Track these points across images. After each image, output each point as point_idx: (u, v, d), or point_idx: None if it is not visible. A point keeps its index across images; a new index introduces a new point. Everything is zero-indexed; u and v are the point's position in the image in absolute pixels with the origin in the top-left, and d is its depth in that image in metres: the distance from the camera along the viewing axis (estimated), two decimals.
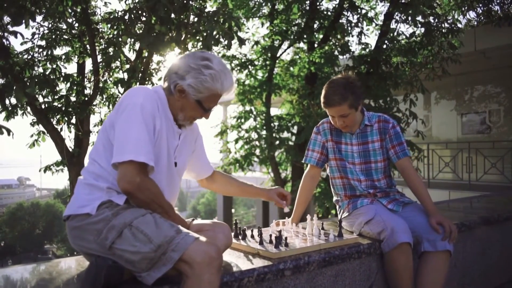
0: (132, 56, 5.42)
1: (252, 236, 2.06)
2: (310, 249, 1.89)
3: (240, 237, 2.04)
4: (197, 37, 4.60)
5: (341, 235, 2.08)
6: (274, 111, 10.50)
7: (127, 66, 5.30)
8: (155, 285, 1.39)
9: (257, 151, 9.17)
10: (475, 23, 10.09)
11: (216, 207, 24.21)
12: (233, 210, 28.30)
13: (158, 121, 1.56)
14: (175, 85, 1.61)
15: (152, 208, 1.50)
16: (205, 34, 4.30)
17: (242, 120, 9.19)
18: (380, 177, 2.33)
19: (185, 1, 4.18)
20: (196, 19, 4.41)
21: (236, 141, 9.20)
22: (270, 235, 2.00)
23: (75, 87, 5.47)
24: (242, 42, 4.16)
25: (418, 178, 2.26)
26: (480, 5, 7.96)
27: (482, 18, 9.13)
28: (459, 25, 7.35)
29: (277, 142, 8.61)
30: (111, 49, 5.16)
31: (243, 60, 9.01)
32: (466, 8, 8.24)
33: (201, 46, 4.39)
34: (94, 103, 5.52)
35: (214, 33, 4.19)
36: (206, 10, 4.51)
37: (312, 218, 2.17)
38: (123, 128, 1.48)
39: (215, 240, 1.57)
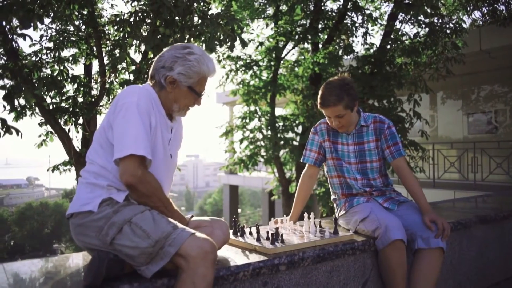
0: (137, 57, 5.51)
1: (250, 233, 2.13)
2: (305, 246, 1.95)
3: (238, 234, 2.11)
4: (201, 39, 4.68)
5: (336, 232, 2.14)
6: (278, 112, 10.54)
7: (133, 67, 5.38)
8: (153, 278, 1.46)
9: (262, 151, 9.23)
10: (480, 23, 10.07)
11: (223, 207, 24.31)
12: (239, 210, 28.42)
13: (153, 118, 1.64)
14: (165, 78, 1.70)
15: (153, 201, 1.57)
16: (208, 36, 4.37)
17: (247, 120, 9.25)
18: (375, 176, 2.39)
19: (188, 4, 4.26)
20: (199, 22, 4.49)
21: (241, 141, 9.26)
22: (267, 232, 2.07)
23: (82, 88, 5.55)
24: (244, 44, 4.23)
25: (413, 178, 2.32)
26: (485, 5, 7.94)
27: (487, 18, 9.11)
28: (464, 25, 7.33)
29: (282, 142, 8.66)
30: (117, 51, 5.23)
31: (247, 61, 9.07)
32: (471, 8, 8.23)
33: (205, 48, 4.46)
34: (101, 104, 5.60)
35: (218, 35, 4.27)
36: (210, 13, 4.59)
37: (309, 216, 2.24)
38: (121, 126, 1.55)
39: (212, 236, 1.64)
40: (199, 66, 1.70)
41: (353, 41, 8.38)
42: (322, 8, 8.37)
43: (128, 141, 1.52)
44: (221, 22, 4.40)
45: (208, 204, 47.65)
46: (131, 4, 5.11)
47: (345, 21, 8.14)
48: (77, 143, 5.58)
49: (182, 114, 1.80)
